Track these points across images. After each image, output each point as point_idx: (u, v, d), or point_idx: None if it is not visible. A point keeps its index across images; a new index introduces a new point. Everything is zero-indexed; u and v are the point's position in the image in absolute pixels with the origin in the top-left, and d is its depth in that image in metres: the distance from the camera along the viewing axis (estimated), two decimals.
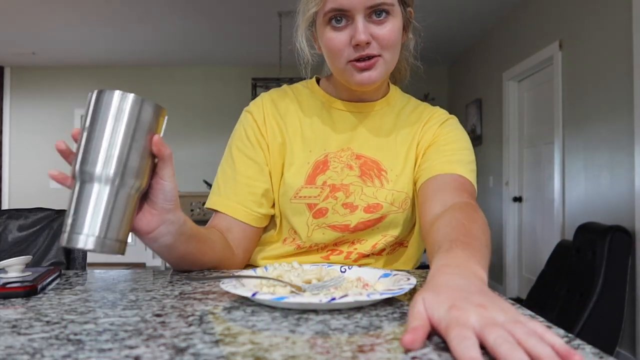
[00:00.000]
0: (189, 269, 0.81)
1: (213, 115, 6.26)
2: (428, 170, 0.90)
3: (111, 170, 0.58)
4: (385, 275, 0.65)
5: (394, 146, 0.97)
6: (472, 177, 0.91)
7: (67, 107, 6.46)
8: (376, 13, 0.85)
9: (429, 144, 0.96)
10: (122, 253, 0.59)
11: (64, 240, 0.58)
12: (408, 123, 0.99)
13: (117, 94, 0.59)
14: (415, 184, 0.94)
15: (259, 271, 0.66)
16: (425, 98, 5.79)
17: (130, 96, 0.59)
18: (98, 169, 0.58)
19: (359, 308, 0.52)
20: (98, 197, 0.58)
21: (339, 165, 0.94)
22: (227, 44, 5.43)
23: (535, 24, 3.93)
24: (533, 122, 4.14)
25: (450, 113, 1.03)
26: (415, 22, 0.97)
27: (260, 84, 4.58)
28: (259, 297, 0.50)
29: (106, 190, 0.58)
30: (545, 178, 3.85)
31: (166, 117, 0.64)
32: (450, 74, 6.23)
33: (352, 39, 0.84)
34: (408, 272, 0.78)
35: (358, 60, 0.86)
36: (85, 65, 6.39)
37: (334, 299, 0.49)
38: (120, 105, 0.59)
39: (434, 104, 1.06)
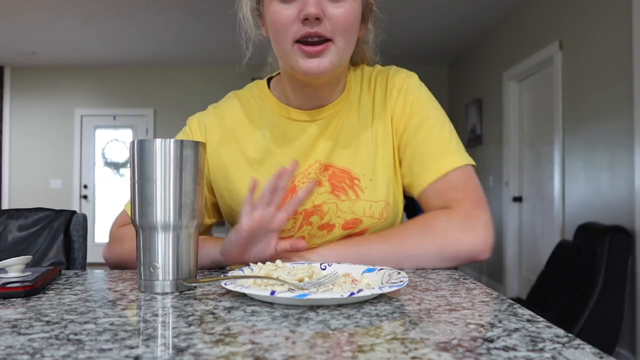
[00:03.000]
0: None
1: None
2: (416, 185, 0.86)
3: (170, 218, 0.61)
4: (369, 270, 0.67)
5: (361, 148, 0.88)
6: (456, 158, 0.84)
7: (67, 107, 6.47)
8: None
9: (400, 135, 0.88)
10: (197, 283, 0.63)
11: (141, 286, 0.62)
12: (370, 114, 0.89)
13: (159, 141, 0.61)
14: (409, 187, 0.89)
15: (247, 271, 0.66)
16: None
17: (171, 141, 0.62)
18: (159, 219, 0.61)
19: (359, 307, 0.52)
20: (164, 244, 0.62)
21: (307, 185, 0.85)
22: (227, 44, 5.43)
23: (535, 24, 3.93)
24: (533, 122, 4.14)
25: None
26: (378, 11, 0.88)
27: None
28: (278, 295, 0.51)
29: (169, 236, 0.62)
30: (545, 178, 3.85)
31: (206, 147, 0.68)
32: (450, 73, 6.23)
33: (300, 13, 0.75)
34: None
35: (306, 41, 0.77)
36: (85, 65, 6.39)
37: (353, 293, 0.51)
38: (164, 152, 0.61)
39: None
